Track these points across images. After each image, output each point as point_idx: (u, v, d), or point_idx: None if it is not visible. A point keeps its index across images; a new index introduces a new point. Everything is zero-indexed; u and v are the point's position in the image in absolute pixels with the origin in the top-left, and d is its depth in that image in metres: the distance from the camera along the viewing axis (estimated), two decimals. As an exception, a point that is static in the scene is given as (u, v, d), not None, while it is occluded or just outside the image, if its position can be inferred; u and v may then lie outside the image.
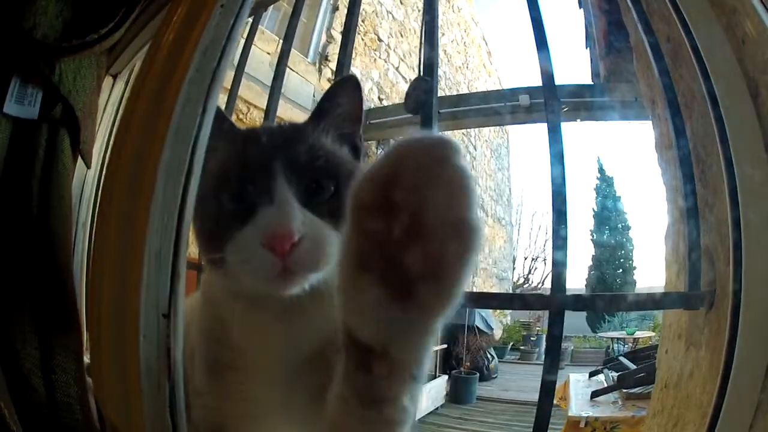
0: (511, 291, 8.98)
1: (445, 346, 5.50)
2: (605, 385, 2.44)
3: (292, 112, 2.70)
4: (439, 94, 0.66)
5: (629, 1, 0.73)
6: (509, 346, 7.55)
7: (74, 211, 0.84)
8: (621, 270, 10.18)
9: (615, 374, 2.41)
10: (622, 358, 2.90)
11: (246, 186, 0.46)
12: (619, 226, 10.45)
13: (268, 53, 2.86)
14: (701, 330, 0.66)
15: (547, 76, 0.64)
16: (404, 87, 4.91)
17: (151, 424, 0.36)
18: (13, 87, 0.57)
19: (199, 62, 0.39)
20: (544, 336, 6.57)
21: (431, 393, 4.56)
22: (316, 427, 0.43)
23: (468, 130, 6.55)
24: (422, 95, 0.62)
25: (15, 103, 0.58)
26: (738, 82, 0.53)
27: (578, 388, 2.55)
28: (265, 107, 0.91)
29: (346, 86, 0.55)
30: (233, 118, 0.96)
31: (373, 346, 0.29)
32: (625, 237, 10.34)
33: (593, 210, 10.59)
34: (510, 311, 8.03)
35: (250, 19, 0.97)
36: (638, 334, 5.92)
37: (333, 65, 3.65)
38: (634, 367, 2.41)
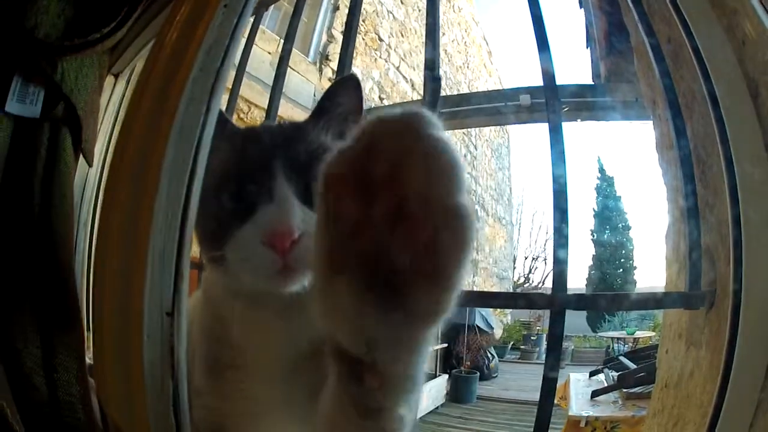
0: (511, 290, 8.98)
1: (446, 345, 5.50)
2: (605, 384, 2.44)
3: (293, 112, 2.71)
4: (440, 94, 0.66)
5: (630, 2, 0.73)
6: (510, 346, 7.56)
7: (76, 210, 0.84)
8: (621, 270, 10.19)
9: (615, 374, 2.41)
10: (622, 358, 2.90)
11: (246, 185, 0.46)
12: (620, 225, 10.47)
13: (269, 53, 2.86)
14: (701, 329, 0.66)
15: (549, 76, 0.64)
16: (405, 86, 4.91)
17: (154, 424, 0.36)
18: (15, 86, 0.57)
19: (202, 62, 0.39)
20: (545, 335, 6.58)
21: (431, 392, 4.57)
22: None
23: (469, 129, 6.55)
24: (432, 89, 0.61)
25: (17, 102, 0.58)
26: (738, 83, 0.53)
27: (578, 388, 2.56)
28: (265, 106, 0.91)
29: (346, 85, 0.55)
30: (234, 117, 0.96)
31: (361, 357, 0.26)
32: (625, 237, 10.35)
33: (594, 210, 10.61)
34: (510, 310, 8.03)
35: (252, 19, 0.96)
36: (638, 333, 5.93)
37: (334, 65, 3.65)
38: (635, 366, 2.41)
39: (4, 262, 0.56)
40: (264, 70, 2.62)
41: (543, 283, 10.03)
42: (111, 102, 0.99)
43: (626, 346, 5.64)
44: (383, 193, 0.23)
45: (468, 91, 6.65)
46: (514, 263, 10.17)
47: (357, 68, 4.08)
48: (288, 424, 0.52)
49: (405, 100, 4.71)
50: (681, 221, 0.68)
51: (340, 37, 3.55)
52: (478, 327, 5.91)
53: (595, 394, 2.31)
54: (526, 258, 10.29)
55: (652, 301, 0.68)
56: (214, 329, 0.51)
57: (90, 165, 0.76)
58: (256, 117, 2.80)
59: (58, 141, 0.62)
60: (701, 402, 0.62)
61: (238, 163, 0.48)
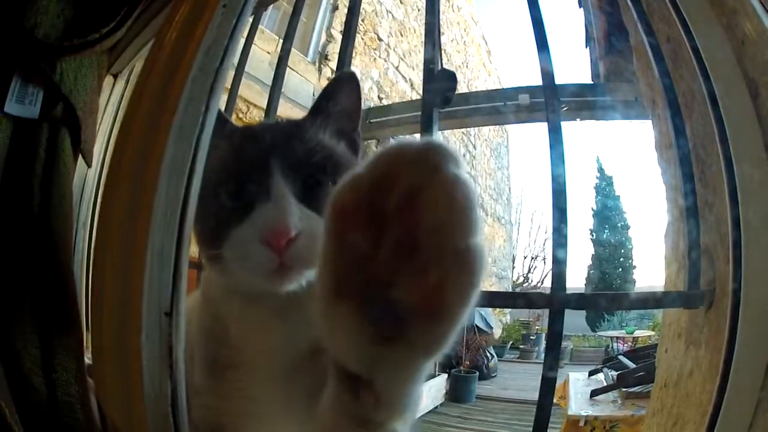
0: (510, 290, 8.98)
1: (445, 345, 5.49)
2: (605, 384, 2.44)
3: (292, 111, 2.70)
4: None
5: (629, 1, 0.73)
6: (509, 345, 7.56)
7: (75, 211, 0.84)
8: (621, 269, 10.21)
9: (614, 373, 2.41)
10: (621, 357, 2.90)
11: (244, 183, 0.46)
12: (619, 225, 10.48)
13: (268, 52, 2.86)
14: (701, 329, 0.66)
15: (548, 75, 0.64)
16: (404, 86, 4.91)
17: (153, 424, 0.36)
18: (14, 86, 0.57)
19: (201, 61, 0.39)
20: (544, 335, 6.58)
21: (431, 392, 4.56)
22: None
23: (468, 129, 6.55)
24: (446, 88, 0.61)
25: (16, 103, 0.58)
26: (738, 83, 0.53)
27: (578, 387, 2.56)
28: (264, 106, 0.91)
29: (344, 83, 0.55)
30: (233, 117, 0.96)
31: (359, 374, 0.26)
32: (624, 236, 10.37)
33: (593, 209, 10.62)
34: (509, 310, 8.03)
35: (251, 19, 0.96)
36: (637, 333, 5.94)
37: (333, 64, 3.65)
38: (634, 366, 2.41)
39: (3, 263, 0.56)
40: (263, 69, 2.61)
41: (542, 283, 10.03)
42: (110, 102, 0.99)
43: (625, 345, 5.65)
44: (394, 225, 0.22)
45: (467, 91, 6.65)
46: (513, 263, 10.17)
47: (356, 68, 4.08)
48: (287, 423, 0.51)
49: (404, 100, 4.71)
50: (680, 220, 0.68)
51: (339, 37, 3.55)
52: (477, 326, 5.91)
53: (594, 393, 2.31)
54: (525, 257, 10.29)
55: (651, 301, 0.69)
56: (212, 329, 0.51)
57: (89, 165, 0.76)
58: (255, 117, 2.80)
59: (57, 141, 0.62)
60: (701, 401, 0.62)
61: (236, 162, 0.48)
